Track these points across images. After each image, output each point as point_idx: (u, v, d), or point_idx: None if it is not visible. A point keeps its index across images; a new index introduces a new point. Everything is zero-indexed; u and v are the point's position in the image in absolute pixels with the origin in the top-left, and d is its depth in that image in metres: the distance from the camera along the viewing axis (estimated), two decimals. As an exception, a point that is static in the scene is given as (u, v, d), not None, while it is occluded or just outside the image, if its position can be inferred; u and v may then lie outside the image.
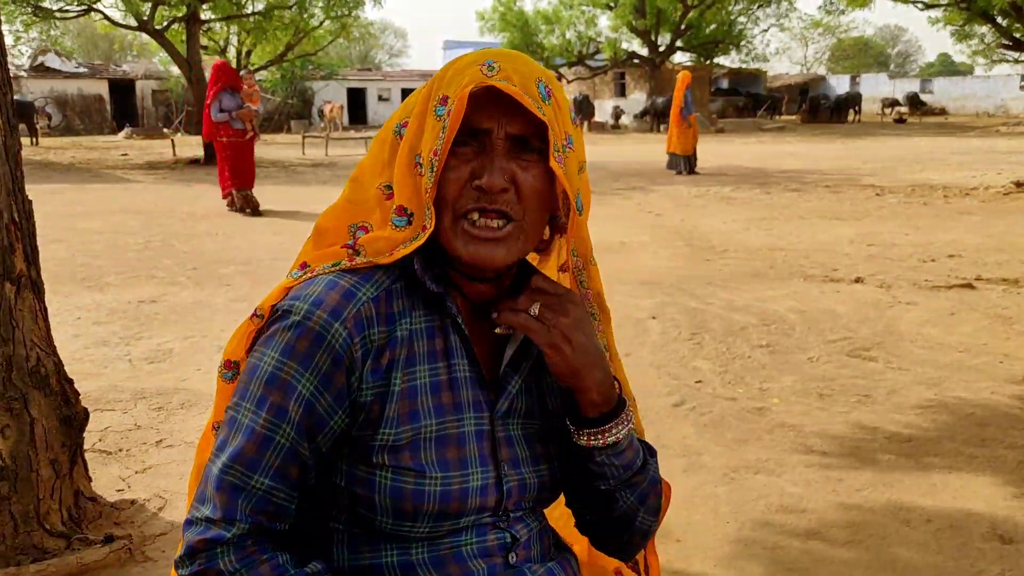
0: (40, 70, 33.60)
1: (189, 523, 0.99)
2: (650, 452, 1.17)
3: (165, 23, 19.34)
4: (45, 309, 2.47)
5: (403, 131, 1.06)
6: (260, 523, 0.99)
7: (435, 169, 0.99)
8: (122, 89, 35.55)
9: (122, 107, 35.11)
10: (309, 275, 1.05)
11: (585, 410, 1.06)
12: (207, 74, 21.97)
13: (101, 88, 34.87)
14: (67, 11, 19.41)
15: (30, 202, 2.44)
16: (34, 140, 23.29)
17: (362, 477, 1.02)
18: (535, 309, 1.03)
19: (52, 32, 24.99)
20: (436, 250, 1.06)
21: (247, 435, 0.99)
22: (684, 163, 14.60)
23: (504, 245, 1.02)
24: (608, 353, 1.15)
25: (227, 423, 1.02)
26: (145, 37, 21.74)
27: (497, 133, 1.00)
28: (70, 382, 2.50)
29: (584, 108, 31.66)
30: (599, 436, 1.05)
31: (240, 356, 1.09)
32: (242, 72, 10.53)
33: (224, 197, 10.03)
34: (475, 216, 1.01)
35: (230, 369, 1.11)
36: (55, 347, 2.51)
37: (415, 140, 1.03)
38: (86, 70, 36.24)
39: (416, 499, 1.01)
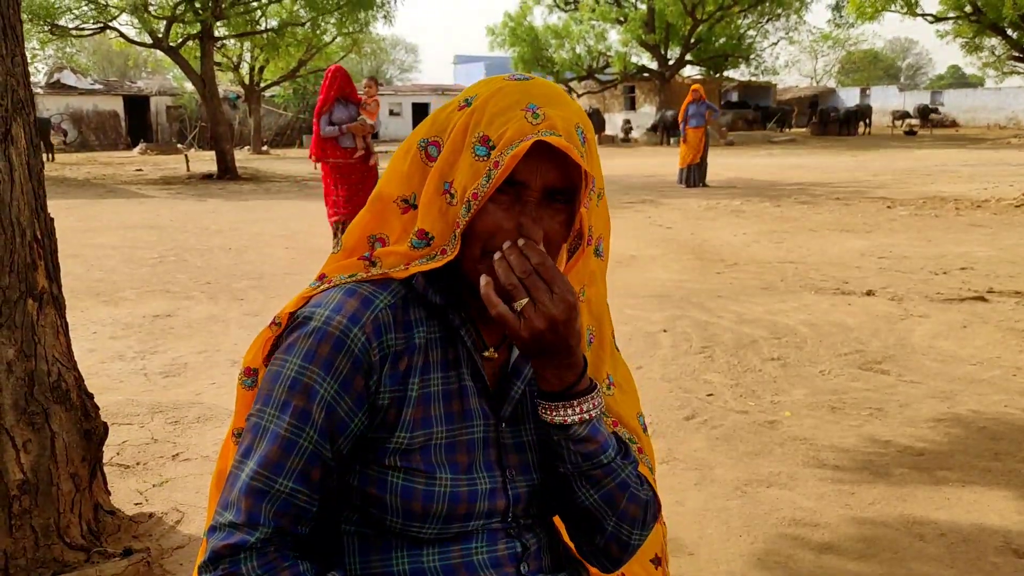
0: (56, 87, 34.00)
1: (213, 529, 1.01)
2: (625, 455, 1.13)
3: (179, 40, 19.59)
4: (66, 324, 2.51)
5: (430, 148, 1.07)
6: (282, 526, 1.01)
7: (472, 209, 1.00)
8: (137, 105, 35.90)
9: (136, 123, 35.45)
10: (327, 285, 1.08)
11: (540, 383, 1.07)
12: (220, 90, 22.27)
13: (116, 104, 35.22)
14: (83, 29, 19.65)
15: (52, 220, 2.48)
16: (50, 156, 23.58)
17: (374, 477, 1.05)
18: (520, 304, 0.99)
19: (68, 50, 25.30)
20: (446, 268, 1.08)
21: (271, 440, 1.01)
22: (682, 174, 14.63)
23: None
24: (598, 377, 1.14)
25: (250, 429, 1.04)
26: (160, 54, 21.98)
27: (535, 185, 1.02)
28: (90, 396, 2.53)
29: (594, 122, 31.76)
30: (548, 412, 1.06)
31: (259, 363, 1.12)
32: (363, 80, 8.57)
33: (331, 223, 7.90)
34: None
35: (250, 376, 1.13)
36: (75, 362, 2.55)
37: (446, 168, 1.04)
38: (101, 87, 36.65)
39: (426, 500, 1.04)
